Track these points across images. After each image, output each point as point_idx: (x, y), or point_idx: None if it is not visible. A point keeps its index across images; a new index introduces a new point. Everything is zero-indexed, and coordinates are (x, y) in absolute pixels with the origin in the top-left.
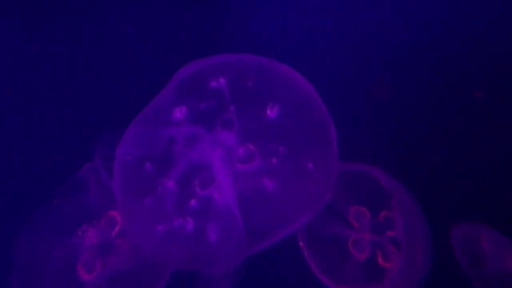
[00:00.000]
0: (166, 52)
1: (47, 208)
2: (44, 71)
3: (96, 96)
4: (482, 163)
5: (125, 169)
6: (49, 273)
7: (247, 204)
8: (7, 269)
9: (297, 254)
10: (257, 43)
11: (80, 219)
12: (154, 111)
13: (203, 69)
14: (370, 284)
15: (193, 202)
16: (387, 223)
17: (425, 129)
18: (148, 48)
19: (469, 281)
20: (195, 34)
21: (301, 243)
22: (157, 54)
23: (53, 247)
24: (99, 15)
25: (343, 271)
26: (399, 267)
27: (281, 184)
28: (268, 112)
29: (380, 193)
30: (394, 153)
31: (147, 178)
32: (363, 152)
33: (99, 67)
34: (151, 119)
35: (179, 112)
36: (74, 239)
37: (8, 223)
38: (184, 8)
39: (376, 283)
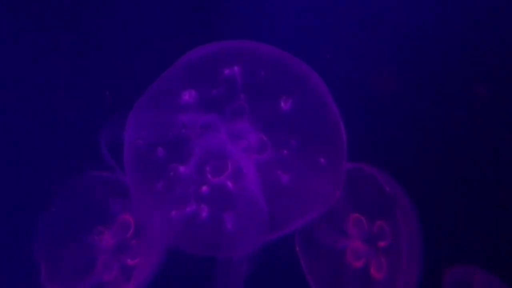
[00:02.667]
0: (168, 45)
1: (58, 210)
2: (44, 61)
3: (96, 91)
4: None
5: (136, 153)
6: (66, 274)
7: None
8: (17, 274)
9: (293, 260)
10: (257, 40)
11: (94, 220)
12: (161, 92)
13: (214, 52)
14: None
15: (206, 188)
16: (383, 232)
17: (428, 128)
18: (150, 39)
19: None
20: (197, 28)
21: (297, 249)
22: (158, 47)
23: (69, 249)
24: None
25: (336, 279)
26: (392, 278)
27: (292, 176)
28: (282, 104)
29: (380, 200)
30: (395, 154)
31: (159, 163)
32: (363, 152)
33: (99, 60)
34: (159, 101)
35: (188, 96)
36: (90, 241)
37: (12, 223)
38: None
39: None
